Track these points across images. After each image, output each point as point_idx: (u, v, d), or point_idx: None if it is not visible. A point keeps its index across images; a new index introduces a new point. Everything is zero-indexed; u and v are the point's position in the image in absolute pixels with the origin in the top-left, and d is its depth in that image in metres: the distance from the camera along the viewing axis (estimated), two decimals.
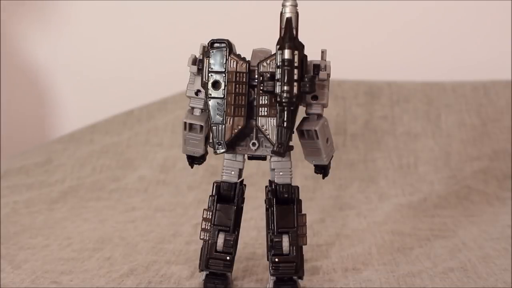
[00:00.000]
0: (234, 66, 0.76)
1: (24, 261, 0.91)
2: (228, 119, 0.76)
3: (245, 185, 0.80)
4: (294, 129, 0.76)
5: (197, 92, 0.78)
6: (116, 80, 1.68)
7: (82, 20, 1.69)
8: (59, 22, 1.69)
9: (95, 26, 1.69)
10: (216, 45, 0.76)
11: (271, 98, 0.75)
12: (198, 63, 0.77)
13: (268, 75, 0.73)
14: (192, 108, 0.79)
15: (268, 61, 0.75)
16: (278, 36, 0.73)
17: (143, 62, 1.67)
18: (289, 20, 0.72)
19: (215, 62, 0.76)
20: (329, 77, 0.77)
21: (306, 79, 0.73)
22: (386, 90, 1.53)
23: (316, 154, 0.78)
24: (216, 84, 0.76)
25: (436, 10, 1.62)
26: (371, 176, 1.36)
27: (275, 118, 0.75)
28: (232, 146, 0.77)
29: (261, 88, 0.74)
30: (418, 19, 1.62)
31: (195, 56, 0.77)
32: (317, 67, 0.76)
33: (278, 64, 0.72)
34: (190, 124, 0.78)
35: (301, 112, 0.78)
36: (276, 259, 0.76)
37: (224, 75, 0.76)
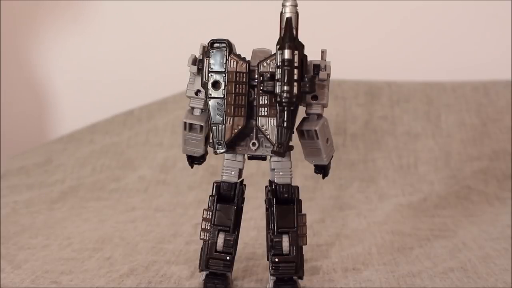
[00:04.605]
0: (234, 66, 0.76)
1: (24, 261, 0.91)
2: (228, 119, 0.76)
3: (245, 185, 0.80)
4: (294, 129, 0.76)
5: (197, 92, 0.78)
6: (116, 80, 1.68)
7: (82, 20, 1.69)
8: (59, 23, 1.69)
9: (95, 26, 1.69)
10: (216, 45, 0.76)
11: (271, 98, 0.75)
12: (198, 63, 0.77)
13: (268, 75, 0.73)
14: (192, 108, 0.79)
15: (268, 61, 0.75)
16: (278, 36, 0.73)
17: (143, 62, 1.67)
18: (289, 20, 0.72)
19: (215, 62, 0.76)
20: (329, 77, 0.77)
21: (306, 79, 0.73)
22: (386, 90, 1.53)
23: (316, 154, 0.78)
24: (216, 84, 0.76)
25: (436, 10, 1.62)
26: (371, 176, 1.36)
27: (275, 118, 0.75)
28: (232, 146, 0.77)
29: (261, 88, 0.74)
30: (418, 19, 1.62)
31: (195, 56, 0.77)
32: (317, 67, 0.76)
33: (278, 64, 0.72)
34: (190, 124, 0.78)
35: (301, 112, 0.78)
36: (276, 259, 0.76)
37: (224, 75, 0.76)
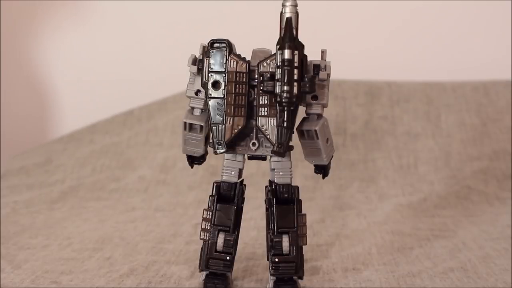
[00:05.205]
0: (234, 66, 0.76)
1: (24, 261, 0.91)
2: (228, 119, 0.76)
3: (245, 185, 0.80)
4: (294, 129, 0.76)
5: (197, 92, 0.78)
6: (116, 80, 1.68)
7: (82, 21, 1.69)
8: (59, 23, 1.69)
9: (95, 26, 1.69)
10: (216, 45, 0.76)
11: (271, 98, 0.75)
12: (198, 63, 0.77)
13: (268, 75, 0.73)
14: (192, 108, 0.79)
15: (268, 61, 0.75)
16: (278, 36, 0.73)
17: (143, 62, 1.67)
18: (289, 20, 0.72)
19: (215, 62, 0.76)
20: (329, 77, 0.77)
21: (306, 79, 0.73)
22: (386, 90, 1.53)
23: (316, 154, 0.78)
24: (216, 84, 0.76)
25: (436, 10, 1.62)
26: (371, 176, 1.36)
27: (275, 118, 0.75)
28: (232, 146, 0.77)
29: (261, 88, 0.74)
30: (418, 19, 1.62)
31: (195, 56, 0.77)
32: (317, 67, 0.76)
33: (278, 64, 0.72)
34: (190, 124, 0.78)
35: (301, 112, 0.78)
36: (276, 259, 0.76)
37: (224, 75, 0.76)
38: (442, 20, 1.63)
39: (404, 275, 0.84)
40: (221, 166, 0.79)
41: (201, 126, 0.78)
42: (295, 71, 0.71)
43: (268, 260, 0.78)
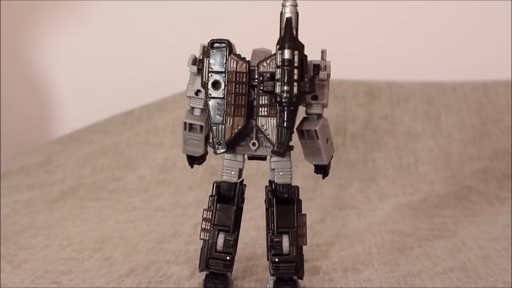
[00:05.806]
0: (234, 66, 0.76)
1: (24, 261, 0.91)
2: (228, 119, 0.76)
3: (245, 185, 0.80)
4: (294, 129, 0.76)
5: (197, 92, 0.78)
6: (116, 80, 1.68)
7: (82, 21, 1.69)
8: (59, 23, 1.69)
9: (95, 26, 1.69)
10: (216, 45, 0.76)
11: (271, 98, 0.75)
12: (198, 63, 0.77)
13: (268, 75, 0.74)
14: (192, 108, 0.79)
15: (268, 61, 0.75)
16: (278, 36, 0.73)
17: (143, 62, 1.67)
18: (289, 20, 0.73)
19: (215, 62, 0.76)
20: (329, 77, 0.77)
21: (306, 79, 0.73)
22: (386, 90, 1.53)
23: (316, 154, 0.78)
24: (216, 84, 0.76)
25: (436, 10, 1.62)
26: (371, 176, 1.36)
27: (275, 118, 0.75)
28: (232, 146, 0.77)
29: (261, 88, 0.74)
30: (418, 19, 1.62)
31: (195, 56, 0.77)
32: (317, 67, 0.76)
33: (278, 64, 0.72)
34: (190, 124, 0.78)
35: (301, 112, 0.78)
36: (276, 259, 0.76)
37: (224, 75, 0.76)
38: (442, 20, 1.63)
39: (404, 275, 0.84)
40: (221, 166, 0.79)
41: (201, 126, 0.78)
42: (295, 71, 0.71)
43: (268, 260, 0.78)
